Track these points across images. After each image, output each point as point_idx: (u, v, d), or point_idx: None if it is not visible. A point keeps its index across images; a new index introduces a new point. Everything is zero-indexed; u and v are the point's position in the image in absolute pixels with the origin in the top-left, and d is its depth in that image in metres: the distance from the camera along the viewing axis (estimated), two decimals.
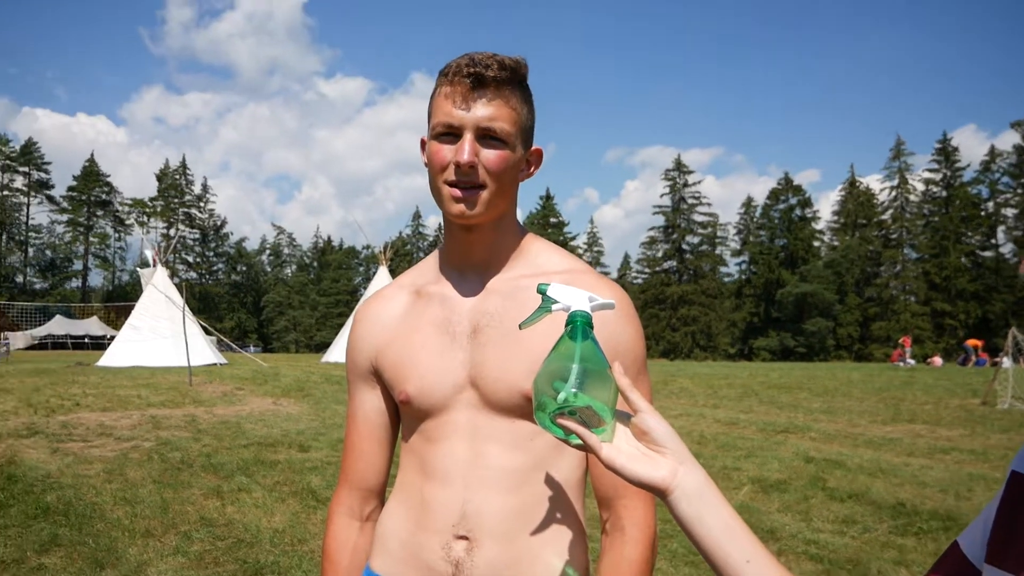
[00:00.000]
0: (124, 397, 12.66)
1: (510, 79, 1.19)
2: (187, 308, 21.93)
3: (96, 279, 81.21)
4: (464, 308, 1.27)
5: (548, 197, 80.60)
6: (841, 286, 67.08)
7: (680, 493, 0.88)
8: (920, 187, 70.05)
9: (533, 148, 1.28)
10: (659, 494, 0.90)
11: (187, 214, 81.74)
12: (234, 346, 32.21)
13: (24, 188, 75.57)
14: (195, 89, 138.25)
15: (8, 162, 73.99)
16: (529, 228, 1.37)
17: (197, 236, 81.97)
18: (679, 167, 75.93)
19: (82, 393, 12.94)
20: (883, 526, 5.64)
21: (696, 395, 16.21)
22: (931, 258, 66.44)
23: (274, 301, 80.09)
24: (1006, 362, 15.28)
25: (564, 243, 73.05)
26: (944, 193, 67.86)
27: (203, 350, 23.36)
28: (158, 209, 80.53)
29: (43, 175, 76.62)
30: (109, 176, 79.76)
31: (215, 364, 23.00)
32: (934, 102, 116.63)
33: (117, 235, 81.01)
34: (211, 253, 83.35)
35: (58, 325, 55.87)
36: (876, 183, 74.46)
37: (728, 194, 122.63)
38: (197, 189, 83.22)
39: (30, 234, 76.09)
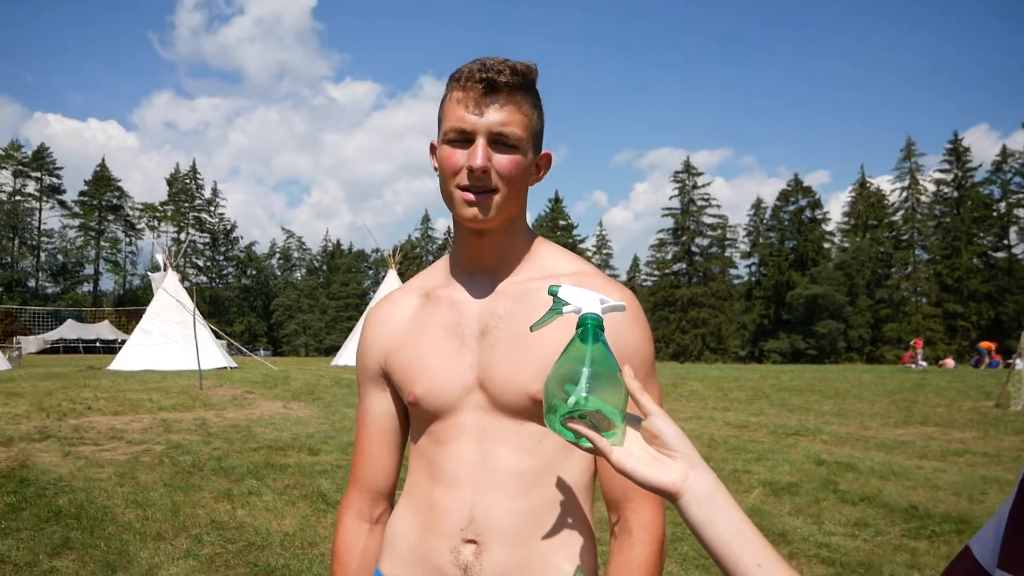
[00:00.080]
0: (135, 401, 12.71)
1: (522, 84, 1.20)
2: (197, 312, 22.01)
3: (107, 283, 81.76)
4: (473, 310, 1.28)
5: (557, 200, 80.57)
6: (852, 288, 66.77)
7: (690, 497, 0.88)
8: (931, 188, 69.67)
9: (542, 152, 1.29)
10: (669, 498, 0.90)
11: (197, 218, 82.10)
12: (244, 350, 32.32)
13: (36, 193, 76.08)
14: (205, 94, 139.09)
15: (20, 167, 74.49)
16: (538, 231, 1.37)
17: (207, 240, 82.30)
18: (688, 169, 75.75)
19: (94, 397, 13.01)
20: (895, 529, 5.61)
21: (706, 398, 16.17)
22: (943, 259, 66.06)
23: (284, 305, 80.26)
24: (1019, 364, 15.14)
25: (573, 246, 73.07)
26: (955, 194, 67.47)
27: (213, 354, 23.43)
28: (168, 213, 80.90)
29: (55, 180, 77.15)
30: (120, 181, 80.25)
31: (225, 368, 23.06)
32: (945, 102, 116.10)
33: (128, 239, 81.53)
34: (221, 257, 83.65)
35: (70, 329, 56.17)
36: (887, 184, 74.02)
37: (737, 196, 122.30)
38: (207, 193, 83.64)
39: (42, 239, 76.55)
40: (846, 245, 72.26)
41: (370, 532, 1.40)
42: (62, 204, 77.60)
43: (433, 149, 1.31)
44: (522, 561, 1.18)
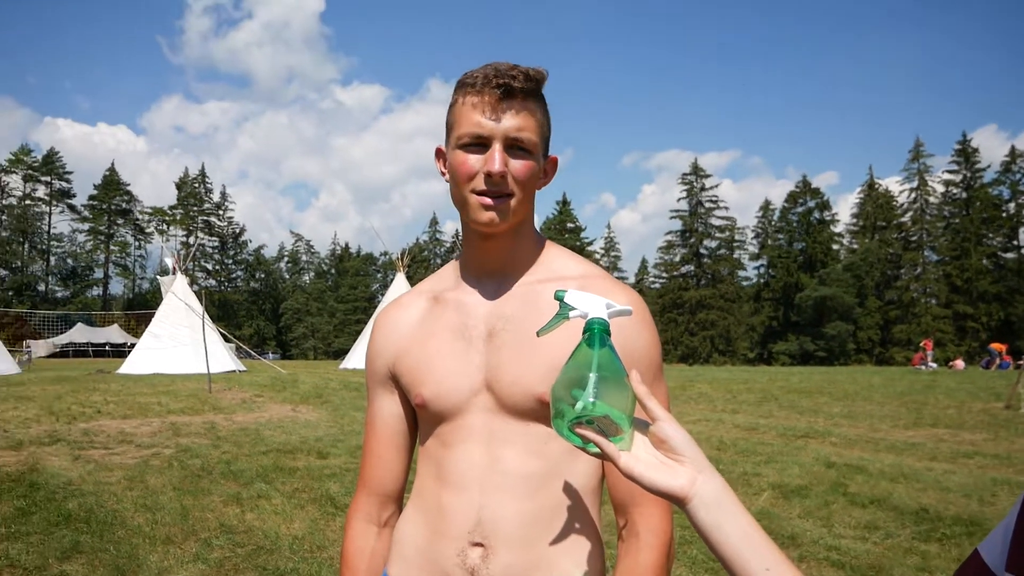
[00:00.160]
0: (144, 404, 12.75)
1: (534, 90, 1.21)
2: (206, 315, 22.08)
3: (117, 287, 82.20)
4: (480, 312, 1.28)
5: (565, 202, 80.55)
6: (861, 289, 66.57)
7: (698, 501, 0.88)
8: (940, 188, 69.49)
9: (549, 156, 1.30)
10: (677, 503, 0.90)
11: (206, 222, 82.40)
12: (253, 353, 32.34)
13: (46, 197, 76.54)
14: (213, 98, 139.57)
15: (30, 172, 74.94)
16: (546, 234, 1.38)
17: (216, 244, 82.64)
18: (696, 171, 75.69)
19: (103, 401, 13.05)
20: (906, 532, 5.58)
21: (715, 400, 16.13)
22: (952, 260, 65.82)
23: (292, 308, 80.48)
24: None
25: (581, 248, 73.03)
26: (964, 194, 67.25)
27: (222, 357, 23.54)
28: (177, 217, 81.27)
29: (65, 184, 77.66)
30: (129, 185, 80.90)
31: (234, 371, 23.15)
32: (953, 102, 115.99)
33: (137, 243, 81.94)
34: (230, 261, 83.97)
35: (79, 333, 56.44)
36: (895, 185, 73.84)
37: (745, 197, 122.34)
38: (216, 197, 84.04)
39: (52, 243, 77.03)
40: (855, 246, 72.09)
41: (379, 535, 1.40)
42: (72, 208, 78.09)
43: (438, 154, 1.31)
44: (529, 564, 1.17)
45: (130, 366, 23.23)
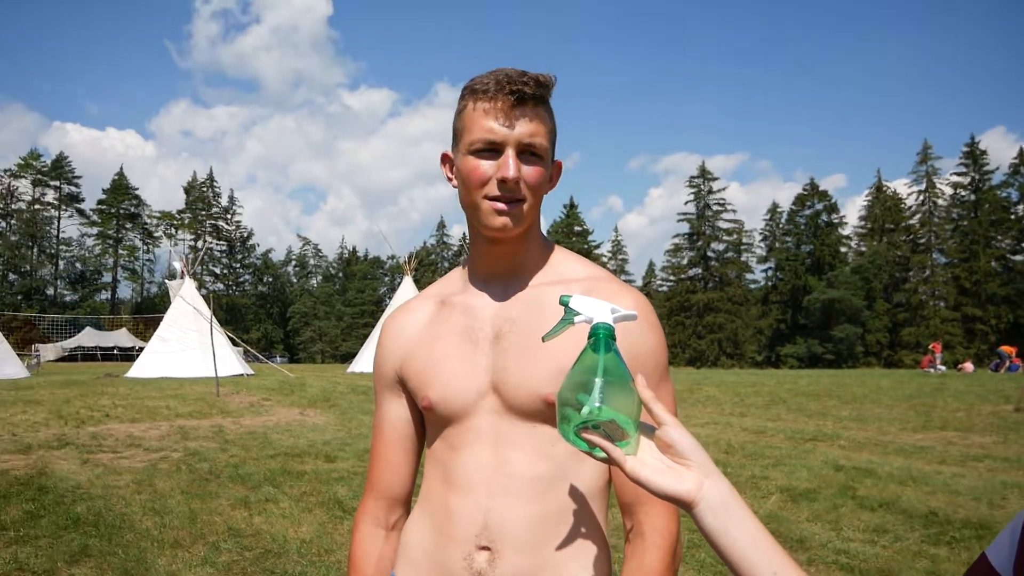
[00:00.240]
0: (153, 408, 12.79)
1: (544, 96, 1.22)
2: (214, 319, 22.15)
3: (125, 291, 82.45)
4: (486, 315, 1.29)
5: (572, 206, 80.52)
6: (869, 292, 66.35)
7: (705, 506, 0.88)
8: (948, 191, 69.29)
9: (555, 161, 1.30)
10: (684, 507, 0.90)
11: (214, 226, 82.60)
12: (261, 357, 32.48)
13: (55, 202, 76.82)
14: (221, 102, 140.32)
15: (39, 176, 75.25)
16: (553, 237, 1.39)
17: (224, 248, 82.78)
18: (703, 174, 75.57)
19: (111, 404, 13.10)
20: (915, 535, 5.56)
21: (723, 403, 16.09)
22: (960, 262, 65.58)
23: (300, 312, 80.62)
24: None
25: (588, 252, 72.99)
26: (973, 196, 67.02)
27: (230, 361, 23.59)
28: (186, 221, 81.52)
29: (73, 189, 77.91)
30: (138, 189, 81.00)
31: (242, 375, 23.20)
32: (961, 104, 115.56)
33: (145, 247, 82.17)
34: (238, 265, 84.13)
35: (88, 337, 56.58)
36: (903, 187, 73.68)
37: (753, 200, 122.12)
38: (224, 201, 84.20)
39: (61, 247, 77.29)
40: (863, 249, 71.86)
41: (386, 539, 1.41)
42: (80, 213, 78.41)
43: (444, 159, 1.32)
44: (535, 568, 1.17)
45: (138, 370, 23.32)
